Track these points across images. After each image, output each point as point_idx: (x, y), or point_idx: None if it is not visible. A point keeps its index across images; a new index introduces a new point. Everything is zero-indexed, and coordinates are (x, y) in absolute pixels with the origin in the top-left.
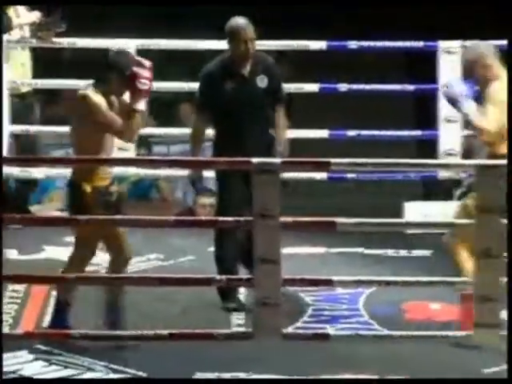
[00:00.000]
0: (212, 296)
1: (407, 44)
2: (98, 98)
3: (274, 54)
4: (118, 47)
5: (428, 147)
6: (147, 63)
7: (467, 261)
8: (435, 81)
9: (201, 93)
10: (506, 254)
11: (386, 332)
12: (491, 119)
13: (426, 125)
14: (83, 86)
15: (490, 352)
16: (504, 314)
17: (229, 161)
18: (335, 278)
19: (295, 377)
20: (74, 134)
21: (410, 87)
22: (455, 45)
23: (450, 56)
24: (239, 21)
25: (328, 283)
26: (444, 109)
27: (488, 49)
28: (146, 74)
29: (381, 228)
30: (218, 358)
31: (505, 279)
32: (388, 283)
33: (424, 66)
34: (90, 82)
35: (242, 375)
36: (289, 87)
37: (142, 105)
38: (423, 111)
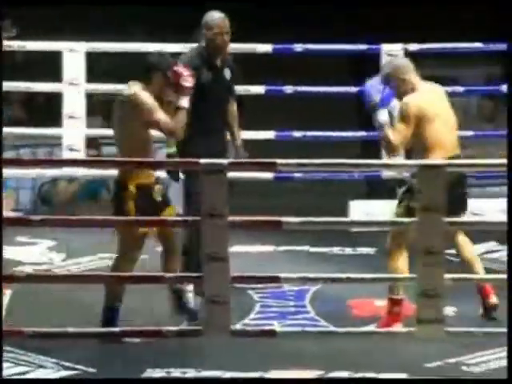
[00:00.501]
0: (162, 293)
1: (351, 47)
2: (149, 98)
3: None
4: (157, 50)
5: (372, 147)
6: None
7: (402, 268)
8: None
9: None
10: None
11: (331, 328)
12: (396, 131)
13: (370, 126)
14: (127, 86)
15: (433, 347)
16: (447, 310)
17: (177, 161)
18: (282, 276)
19: (242, 373)
20: (121, 133)
21: (354, 89)
22: (397, 47)
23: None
24: (217, 14)
25: (275, 280)
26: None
27: (405, 63)
28: (187, 72)
29: (326, 226)
30: (167, 355)
31: (447, 275)
32: (334, 280)
33: (367, 68)
34: (133, 82)
35: (191, 372)
36: (236, 89)
37: (185, 102)
38: (367, 112)
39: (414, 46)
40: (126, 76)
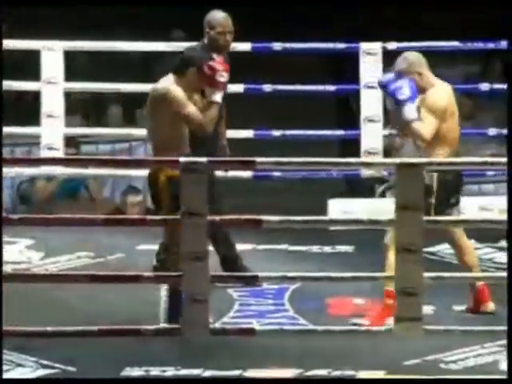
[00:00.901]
0: (140, 292)
1: (330, 45)
2: (180, 92)
3: None
4: (191, 44)
5: (350, 146)
6: (219, 57)
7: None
8: (357, 81)
9: None
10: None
11: (310, 327)
12: (428, 126)
13: (349, 124)
14: (162, 81)
15: (412, 345)
16: (426, 309)
17: (155, 160)
18: (261, 274)
19: (221, 371)
20: (153, 129)
21: (332, 88)
22: (376, 46)
23: (371, 57)
24: (220, 13)
25: (254, 279)
26: (366, 108)
27: (420, 57)
28: (223, 66)
29: (305, 225)
30: (146, 354)
31: (426, 274)
32: (313, 279)
33: (347, 67)
34: (166, 77)
35: (170, 370)
36: None
37: (219, 97)
38: (345, 111)
39: (392, 45)
40: (105, 74)
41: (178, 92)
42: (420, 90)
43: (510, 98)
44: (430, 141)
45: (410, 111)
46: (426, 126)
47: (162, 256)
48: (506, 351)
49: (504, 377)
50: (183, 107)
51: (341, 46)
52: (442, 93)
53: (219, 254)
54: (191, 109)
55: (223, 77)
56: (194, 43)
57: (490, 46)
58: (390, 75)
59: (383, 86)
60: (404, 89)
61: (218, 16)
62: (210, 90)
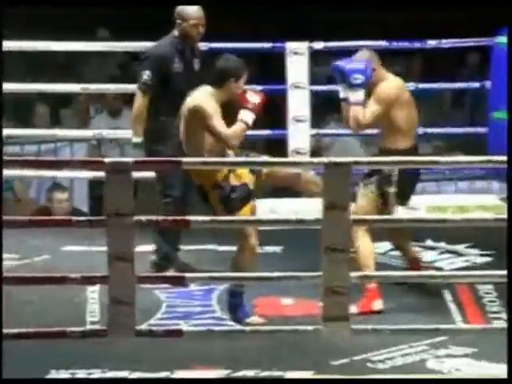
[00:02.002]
0: (67, 294)
1: (256, 45)
2: (213, 107)
3: (124, 56)
4: (227, 54)
5: (278, 146)
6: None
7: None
8: (284, 81)
9: (152, 72)
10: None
11: (238, 327)
12: (367, 112)
13: (276, 124)
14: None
15: (339, 344)
16: (353, 308)
17: (82, 161)
18: (188, 275)
19: (148, 373)
20: (186, 141)
21: (259, 87)
22: (303, 46)
23: (298, 57)
24: (194, 6)
25: (181, 280)
26: (293, 108)
27: (371, 55)
28: (257, 92)
29: (233, 225)
30: (72, 356)
31: (352, 273)
32: (240, 279)
33: (272, 67)
34: (203, 88)
35: (97, 372)
36: None
37: (249, 117)
38: (272, 111)
39: (319, 45)
40: (30, 75)
41: (208, 103)
42: (373, 84)
43: (510, 98)
44: (390, 133)
45: (357, 95)
46: (366, 112)
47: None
48: (507, 351)
49: (505, 377)
50: (210, 118)
51: (267, 45)
52: (391, 84)
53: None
54: (218, 121)
55: (256, 99)
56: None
57: (416, 45)
58: (348, 60)
59: (338, 69)
60: (359, 74)
61: (192, 8)
62: (244, 110)
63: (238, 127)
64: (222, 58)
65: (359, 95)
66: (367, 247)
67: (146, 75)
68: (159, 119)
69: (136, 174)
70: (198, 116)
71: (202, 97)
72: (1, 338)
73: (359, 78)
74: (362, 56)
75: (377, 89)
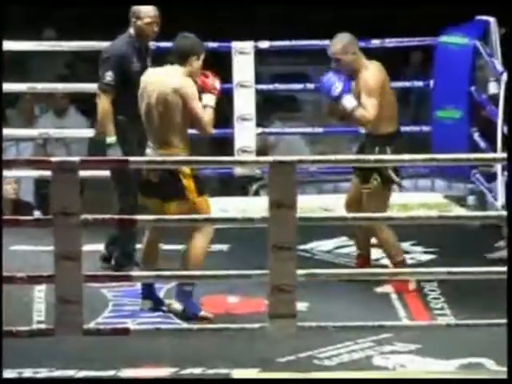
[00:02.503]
0: (13, 293)
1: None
2: (193, 88)
3: (71, 56)
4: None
5: (223, 145)
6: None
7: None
8: (230, 80)
9: (114, 72)
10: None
11: (185, 325)
12: (369, 108)
13: (222, 123)
14: (165, 70)
15: (286, 342)
16: (299, 305)
17: (27, 160)
18: (135, 274)
19: (96, 372)
20: (164, 127)
21: None
22: (248, 45)
23: (244, 56)
24: (148, 5)
25: (128, 278)
26: (239, 107)
27: (352, 38)
28: (214, 74)
29: (179, 224)
30: (20, 355)
31: (299, 271)
32: (186, 277)
33: (218, 66)
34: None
35: (43, 371)
36: (87, 87)
37: (213, 101)
38: (219, 110)
39: (264, 44)
40: None
41: (190, 85)
42: (353, 71)
43: (510, 99)
44: (377, 119)
45: (348, 102)
46: (368, 109)
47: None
48: (507, 351)
49: (504, 377)
50: (192, 102)
51: (213, 45)
52: (375, 71)
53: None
54: (198, 106)
55: (217, 82)
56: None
57: (361, 44)
58: (328, 74)
59: (322, 87)
60: (335, 85)
61: (147, 7)
62: (206, 95)
63: (208, 113)
64: (182, 37)
65: (351, 100)
66: (391, 237)
67: (109, 76)
68: (118, 119)
69: (84, 173)
70: (181, 96)
71: (181, 76)
72: (1, 338)
73: (337, 88)
74: (342, 39)
75: (362, 80)
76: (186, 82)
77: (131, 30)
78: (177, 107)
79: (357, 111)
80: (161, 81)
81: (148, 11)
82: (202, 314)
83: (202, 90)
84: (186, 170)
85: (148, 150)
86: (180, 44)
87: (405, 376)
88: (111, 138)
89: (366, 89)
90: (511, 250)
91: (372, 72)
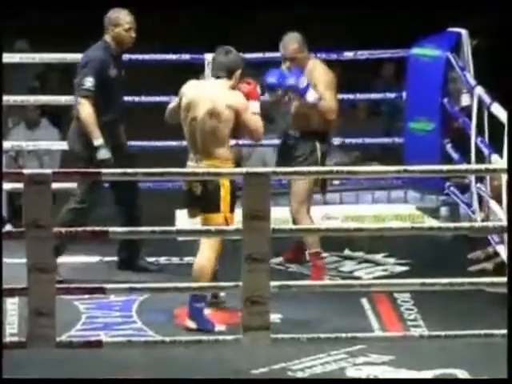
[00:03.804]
0: None
1: (175, 57)
2: (244, 100)
3: (42, 67)
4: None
5: None
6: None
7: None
8: None
9: (94, 78)
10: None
11: (158, 338)
12: (330, 100)
13: None
14: (213, 84)
15: (259, 353)
16: (273, 317)
17: (1, 172)
18: (108, 286)
19: None
20: (210, 141)
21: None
22: None
23: None
24: (124, 10)
25: (101, 291)
26: None
27: (303, 38)
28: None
29: (152, 236)
30: None
31: (273, 283)
32: (160, 290)
33: (188, 78)
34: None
35: None
36: (58, 99)
37: (258, 107)
38: None
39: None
40: None
41: (242, 98)
42: (303, 68)
43: (509, 101)
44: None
45: (313, 94)
46: (329, 101)
47: None
48: (507, 351)
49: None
50: (245, 113)
51: (186, 57)
52: (325, 67)
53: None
54: (251, 115)
55: (258, 89)
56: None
57: (333, 56)
58: (275, 74)
59: (276, 85)
60: (299, 79)
61: (124, 13)
62: (251, 103)
63: (258, 120)
64: (226, 51)
65: (314, 93)
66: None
67: (89, 81)
68: (102, 126)
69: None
70: (235, 110)
71: (232, 91)
72: (1, 339)
73: (304, 82)
74: (296, 38)
75: (318, 74)
76: (238, 97)
77: (107, 38)
78: (228, 121)
79: (321, 103)
80: (212, 95)
81: (126, 17)
82: (217, 329)
83: (247, 97)
84: (227, 183)
85: (190, 163)
86: (227, 59)
87: None
88: (98, 141)
89: (325, 82)
90: (511, 252)
91: (324, 67)
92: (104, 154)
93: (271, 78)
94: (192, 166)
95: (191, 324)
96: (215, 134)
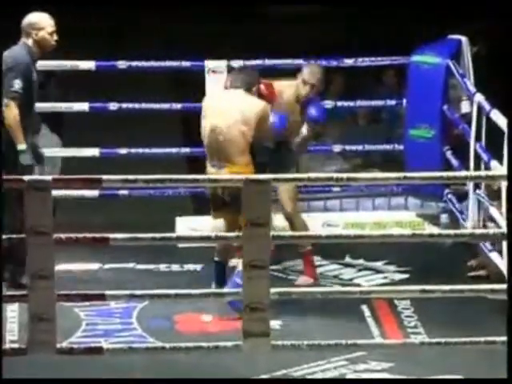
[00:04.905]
0: None
1: (175, 63)
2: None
3: (42, 75)
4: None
5: (197, 163)
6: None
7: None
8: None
9: (21, 80)
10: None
11: (158, 344)
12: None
13: (195, 142)
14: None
15: (260, 360)
16: (273, 324)
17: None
18: (108, 293)
19: None
20: (233, 148)
21: (178, 105)
22: (221, 64)
23: (216, 75)
24: (43, 13)
25: (101, 298)
26: None
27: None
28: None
29: (153, 242)
30: None
31: (273, 290)
32: (160, 296)
33: (190, 84)
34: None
35: None
36: (59, 106)
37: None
38: (192, 129)
39: (238, 63)
40: None
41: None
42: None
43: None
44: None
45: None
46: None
47: None
48: (507, 351)
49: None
50: (269, 120)
51: (186, 64)
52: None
53: None
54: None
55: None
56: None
57: (333, 63)
58: (319, 108)
59: (321, 121)
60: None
61: (45, 16)
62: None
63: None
64: (245, 67)
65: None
66: (305, 225)
67: (17, 84)
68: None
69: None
70: (260, 118)
71: (256, 100)
72: (1, 339)
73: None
74: (319, 68)
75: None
76: (264, 105)
77: (29, 42)
78: (254, 128)
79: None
80: (239, 105)
81: (48, 20)
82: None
83: (268, 100)
84: None
85: (212, 169)
86: (246, 75)
87: None
88: (22, 146)
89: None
90: (511, 251)
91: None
92: (26, 159)
93: (317, 113)
94: (213, 172)
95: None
96: (240, 141)
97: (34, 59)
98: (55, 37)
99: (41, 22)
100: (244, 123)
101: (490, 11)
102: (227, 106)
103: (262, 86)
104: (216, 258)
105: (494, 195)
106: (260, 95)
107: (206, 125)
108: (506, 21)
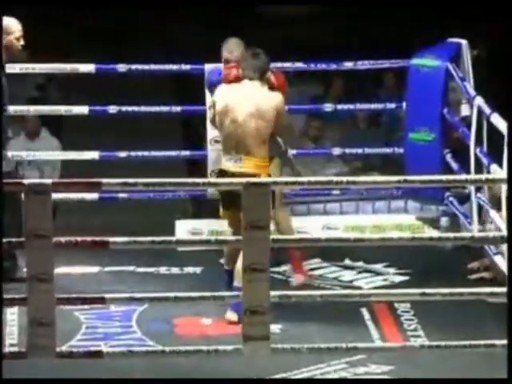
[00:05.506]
0: None
1: (174, 67)
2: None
3: (42, 78)
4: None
5: (197, 167)
6: None
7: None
8: (203, 102)
9: None
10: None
11: (158, 348)
12: None
13: (195, 145)
14: (251, 86)
15: (260, 363)
16: (273, 327)
17: (1, 182)
18: (108, 296)
19: None
20: (252, 140)
21: (178, 108)
22: (220, 67)
23: None
24: (10, 18)
25: (101, 301)
26: (212, 129)
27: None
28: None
29: (152, 246)
30: None
31: (273, 293)
32: (160, 300)
33: (192, 88)
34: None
35: None
36: (59, 109)
37: None
38: (191, 132)
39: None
40: None
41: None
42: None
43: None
44: None
45: None
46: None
47: None
48: (507, 351)
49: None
50: (284, 113)
51: (186, 67)
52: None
53: None
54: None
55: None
56: None
57: (333, 66)
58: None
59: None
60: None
61: (14, 21)
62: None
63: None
64: (257, 54)
65: None
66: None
67: None
68: None
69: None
70: (278, 111)
71: (271, 92)
72: (1, 340)
73: None
74: (233, 42)
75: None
76: (280, 98)
77: None
78: (271, 121)
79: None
80: (254, 97)
81: (17, 25)
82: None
83: (280, 89)
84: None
85: (228, 163)
86: (258, 61)
87: None
88: None
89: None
90: (511, 251)
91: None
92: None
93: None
94: (230, 166)
95: (232, 316)
96: (258, 134)
97: (2, 64)
98: (22, 41)
99: (9, 27)
100: (260, 117)
101: (490, 12)
102: (241, 98)
103: (273, 77)
104: (226, 267)
105: (496, 202)
106: (271, 86)
107: (225, 118)
108: (506, 22)
